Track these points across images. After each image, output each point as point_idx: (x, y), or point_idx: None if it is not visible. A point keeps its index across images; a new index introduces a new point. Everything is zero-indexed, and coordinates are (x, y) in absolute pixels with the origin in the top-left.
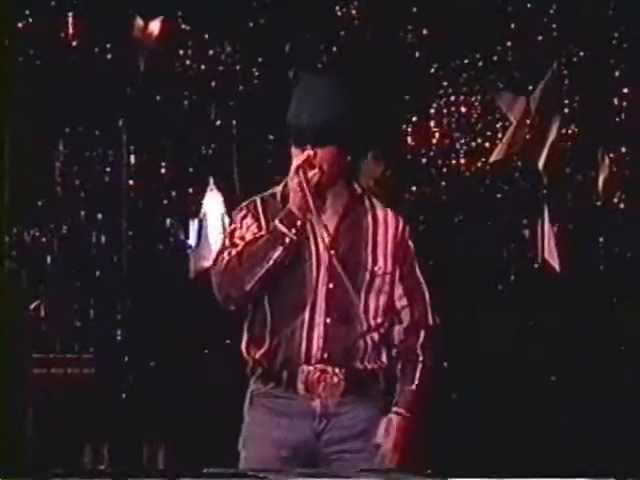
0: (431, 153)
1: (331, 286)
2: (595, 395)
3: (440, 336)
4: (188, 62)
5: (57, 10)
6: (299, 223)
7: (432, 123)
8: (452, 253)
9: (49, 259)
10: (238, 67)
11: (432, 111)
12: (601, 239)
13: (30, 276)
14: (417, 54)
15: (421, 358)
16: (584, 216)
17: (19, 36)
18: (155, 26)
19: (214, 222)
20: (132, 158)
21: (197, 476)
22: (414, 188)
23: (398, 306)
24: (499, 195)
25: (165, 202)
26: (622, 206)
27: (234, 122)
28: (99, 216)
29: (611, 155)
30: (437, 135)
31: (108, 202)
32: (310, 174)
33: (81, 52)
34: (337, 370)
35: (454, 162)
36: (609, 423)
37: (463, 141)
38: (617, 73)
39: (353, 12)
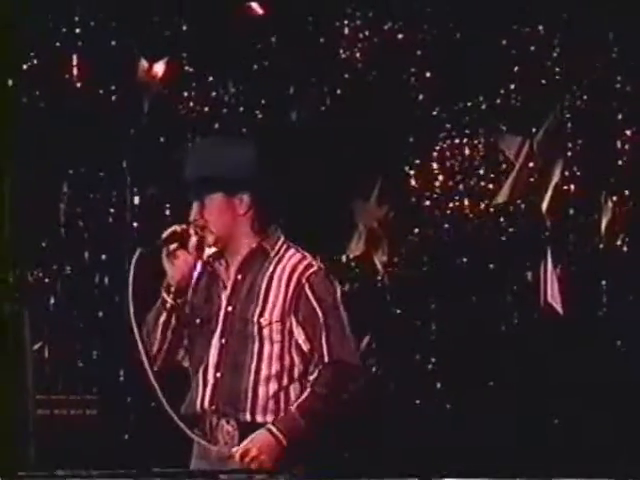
0: (434, 195)
1: (223, 341)
2: (594, 434)
3: (351, 372)
4: (192, 104)
5: (61, 51)
6: (179, 288)
7: (435, 165)
8: (455, 295)
9: (52, 300)
10: (242, 109)
11: (435, 153)
12: (604, 282)
13: (33, 317)
14: (420, 97)
15: (309, 385)
16: (587, 259)
17: (23, 77)
18: (159, 68)
19: None
20: (136, 199)
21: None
22: (417, 230)
23: (305, 349)
24: (502, 237)
25: None
26: (625, 249)
27: None
28: (103, 257)
29: (614, 198)
30: (440, 177)
31: (112, 243)
32: (191, 243)
33: (85, 93)
34: (230, 420)
35: (457, 204)
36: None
37: (466, 183)
38: (620, 116)
39: (357, 55)
